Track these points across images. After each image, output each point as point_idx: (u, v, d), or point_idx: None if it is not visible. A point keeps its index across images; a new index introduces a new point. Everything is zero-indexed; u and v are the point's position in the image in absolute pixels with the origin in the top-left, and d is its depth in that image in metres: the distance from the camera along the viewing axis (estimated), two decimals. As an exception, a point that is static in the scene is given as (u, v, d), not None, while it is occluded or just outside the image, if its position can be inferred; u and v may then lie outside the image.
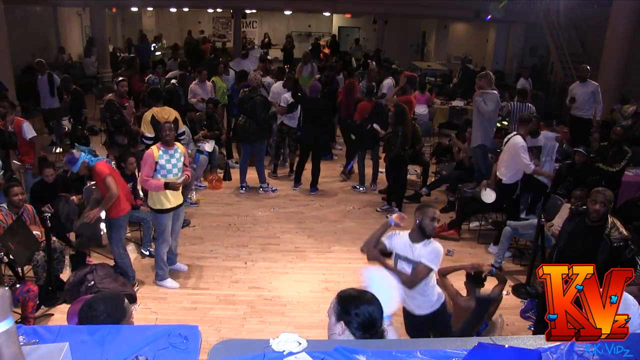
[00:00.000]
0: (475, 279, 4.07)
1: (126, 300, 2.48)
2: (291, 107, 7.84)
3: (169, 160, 4.89)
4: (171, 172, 4.90)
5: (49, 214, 4.79)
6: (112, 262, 5.24)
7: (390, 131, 6.84)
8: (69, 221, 5.45)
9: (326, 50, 18.10)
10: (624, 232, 3.85)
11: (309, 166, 7.76)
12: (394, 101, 8.41)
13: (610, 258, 3.77)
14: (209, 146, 7.70)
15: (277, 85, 8.54)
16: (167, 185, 4.80)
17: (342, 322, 2.17)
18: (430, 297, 3.60)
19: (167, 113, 6.51)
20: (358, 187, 7.95)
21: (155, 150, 4.85)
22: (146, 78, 10.20)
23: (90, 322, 2.34)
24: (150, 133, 6.41)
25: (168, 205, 4.95)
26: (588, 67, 8.63)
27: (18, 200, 4.78)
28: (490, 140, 7.06)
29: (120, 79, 7.28)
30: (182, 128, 6.82)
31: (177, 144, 5.06)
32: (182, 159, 5.00)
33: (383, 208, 7.14)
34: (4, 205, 4.86)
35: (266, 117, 7.31)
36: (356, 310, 2.18)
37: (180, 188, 5.04)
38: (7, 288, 1.69)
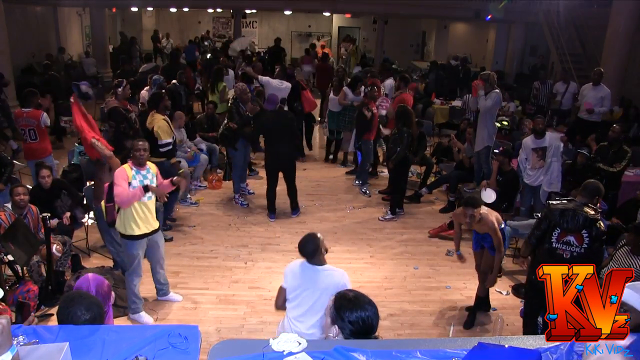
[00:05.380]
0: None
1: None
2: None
3: (142, 182, 4.42)
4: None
5: (49, 215, 4.78)
6: (112, 263, 5.25)
7: (396, 132, 6.81)
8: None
9: (326, 50, 18.10)
10: None
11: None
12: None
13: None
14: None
15: (276, 82, 8.33)
16: (147, 188, 4.37)
17: (335, 326, 2.16)
18: None
19: (150, 119, 6.09)
20: (359, 185, 7.94)
21: (128, 170, 4.39)
22: (152, 78, 10.24)
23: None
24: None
25: (138, 232, 4.42)
26: (602, 70, 8.48)
27: (20, 201, 4.77)
28: (493, 140, 7.07)
29: (125, 82, 7.09)
30: (167, 139, 6.10)
31: (149, 164, 4.60)
32: (155, 180, 4.54)
33: (386, 218, 6.93)
34: (8, 205, 4.85)
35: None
36: (349, 317, 2.15)
37: (154, 212, 4.58)
38: (7, 318, 1.69)
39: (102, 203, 4.60)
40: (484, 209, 4.47)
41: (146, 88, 8.32)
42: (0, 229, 4.55)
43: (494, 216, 4.52)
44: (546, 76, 11.17)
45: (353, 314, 2.15)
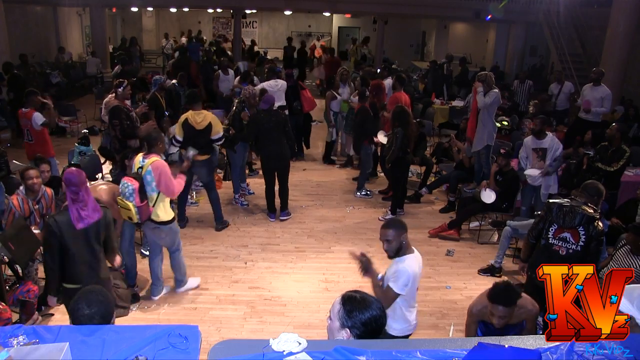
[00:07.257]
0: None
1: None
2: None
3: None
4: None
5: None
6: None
7: (391, 132, 6.80)
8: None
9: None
10: None
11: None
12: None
13: None
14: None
15: (271, 84, 8.25)
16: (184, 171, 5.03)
17: (347, 329, 2.12)
18: (395, 322, 3.36)
19: (202, 117, 6.07)
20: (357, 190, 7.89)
21: (163, 160, 4.73)
22: (152, 78, 10.23)
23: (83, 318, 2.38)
24: (180, 136, 6.15)
25: (174, 212, 4.87)
26: (603, 70, 8.38)
27: (32, 184, 4.60)
28: (494, 139, 7.07)
29: (126, 82, 6.93)
30: (219, 133, 6.24)
31: None
32: None
33: (386, 218, 6.77)
34: (22, 189, 4.71)
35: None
36: (362, 318, 2.11)
37: None
38: None
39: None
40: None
41: (111, 95, 7.22)
42: (10, 214, 4.51)
43: (528, 300, 3.42)
44: (526, 76, 11.08)
45: (365, 314, 2.12)
